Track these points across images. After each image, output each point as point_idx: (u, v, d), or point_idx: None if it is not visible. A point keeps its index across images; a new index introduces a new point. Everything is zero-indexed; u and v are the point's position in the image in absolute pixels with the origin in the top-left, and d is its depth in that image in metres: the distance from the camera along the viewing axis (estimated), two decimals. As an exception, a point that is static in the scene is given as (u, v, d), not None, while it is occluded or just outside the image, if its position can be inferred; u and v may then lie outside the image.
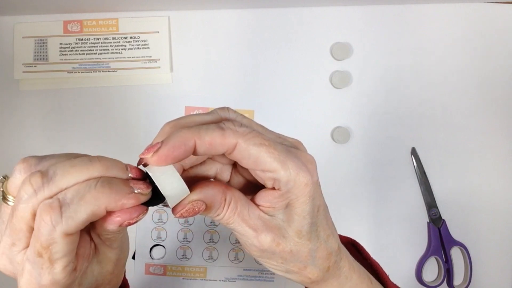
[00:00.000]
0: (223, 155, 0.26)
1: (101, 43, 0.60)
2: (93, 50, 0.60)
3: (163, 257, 0.60)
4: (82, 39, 0.60)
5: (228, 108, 0.28)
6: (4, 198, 0.25)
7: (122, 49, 0.60)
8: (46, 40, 0.60)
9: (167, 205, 0.26)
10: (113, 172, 0.24)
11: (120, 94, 0.60)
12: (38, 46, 0.60)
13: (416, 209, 0.59)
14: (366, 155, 0.60)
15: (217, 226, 0.60)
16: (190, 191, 0.26)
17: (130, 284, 0.37)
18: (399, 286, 0.36)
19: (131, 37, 0.60)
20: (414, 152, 0.59)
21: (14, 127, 0.61)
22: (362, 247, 0.38)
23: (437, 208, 0.59)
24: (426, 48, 0.59)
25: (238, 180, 0.30)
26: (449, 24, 0.59)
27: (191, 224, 0.60)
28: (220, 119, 0.27)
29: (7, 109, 0.61)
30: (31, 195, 0.23)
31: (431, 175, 0.59)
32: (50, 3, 0.57)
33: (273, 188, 0.27)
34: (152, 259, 0.60)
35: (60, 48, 0.60)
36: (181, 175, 0.25)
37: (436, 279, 0.60)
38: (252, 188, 0.29)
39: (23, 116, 0.61)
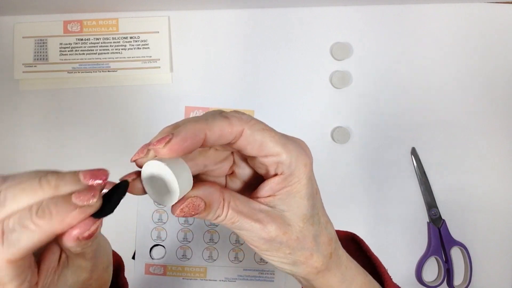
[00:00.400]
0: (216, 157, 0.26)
1: (101, 43, 0.60)
2: (93, 50, 0.60)
3: (163, 257, 0.60)
4: (82, 39, 0.60)
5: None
6: None
7: (122, 49, 0.60)
8: (46, 40, 0.60)
9: (161, 204, 0.25)
10: (64, 189, 0.23)
11: (120, 94, 0.60)
12: (38, 46, 0.60)
13: (416, 209, 0.59)
14: (366, 155, 0.60)
15: (217, 226, 0.60)
16: None
17: (130, 284, 0.37)
18: (398, 284, 0.36)
19: (131, 37, 0.60)
20: (414, 152, 0.59)
21: (14, 127, 0.61)
22: (362, 240, 0.39)
23: (437, 208, 0.59)
24: (426, 48, 0.59)
25: (234, 184, 0.31)
26: (449, 24, 0.59)
27: (191, 224, 0.60)
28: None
29: (7, 109, 0.61)
30: None
31: (431, 175, 0.59)
32: (50, 3, 0.57)
33: (275, 175, 0.27)
34: (152, 259, 0.60)
35: (60, 48, 0.60)
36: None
37: (436, 279, 0.60)
38: (248, 191, 0.30)
39: (23, 116, 0.61)
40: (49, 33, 0.60)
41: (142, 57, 0.60)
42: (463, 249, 0.58)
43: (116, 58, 0.60)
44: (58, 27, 0.60)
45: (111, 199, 0.24)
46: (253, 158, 0.27)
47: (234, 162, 0.30)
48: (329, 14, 0.60)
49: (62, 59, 0.60)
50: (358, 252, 0.38)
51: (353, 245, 0.39)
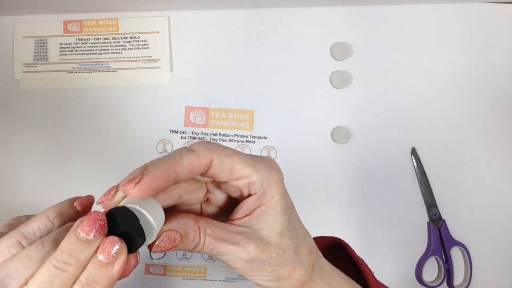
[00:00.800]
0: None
1: (101, 43, 0.60)
2: (93, 50, 0.60)
3: (163, 257, 0.60)
4: (82, 39, 0.60)
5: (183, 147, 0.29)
6: None
7: (122, 49, 0.60)
8: (46, 40, 0.60)
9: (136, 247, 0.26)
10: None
11: (120, 94, 0.60)
12: (38, 46, 0.60)
13: (416, 209, 0.59)
14: (366, 155, 0.60)
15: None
16: None
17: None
18: (386, 284, 0.36)
19: (131, 37, 0.60)
20: (414, 152, 0.59)
21: (14, 127, 0.61)
22: (347, 245, 0.39)
23: (437, 208, 0.59)
24: (426, 48, 0.59)
25: (210, 210, 0.31)
26: (449, 24, 0.59)
27: (191, 224, 0.60)
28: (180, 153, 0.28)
29: (7, 109, 0.61)
30: None
31: (431, 175, 0.59)
32: (50, 3, 0.57)
33: (249, 196, 0.28)
34: (152, 259, 0.60)
35: (60, 48, 0.60)
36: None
37: (436, 279, 0.60)
38: (224, 215, 0.30)
39: (23, 116, 0.61)
40: (49, 33, 0.60)
41: (142, 57, 0.60)
42: (463, 249, 0.58)
43: (116, 58, 0.60)
44: (58, 27, 0.60)
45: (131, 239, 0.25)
46: (226, 183, 0.28)
47: (207, 190, 0.31)
48: (329, 14, 0.60)
49: (62, 59, 0.60)
50: (345, 257, 0.38)
51: (339, 251, 0.39)
